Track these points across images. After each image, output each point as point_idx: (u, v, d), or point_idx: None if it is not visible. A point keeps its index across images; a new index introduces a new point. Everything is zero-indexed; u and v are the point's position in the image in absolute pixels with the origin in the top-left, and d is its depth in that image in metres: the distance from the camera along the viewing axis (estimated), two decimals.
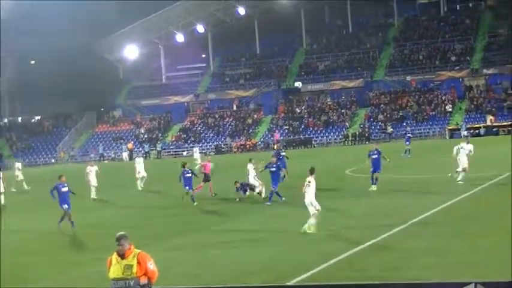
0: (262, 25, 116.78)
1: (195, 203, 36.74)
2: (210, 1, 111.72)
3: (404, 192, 36.16)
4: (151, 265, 12.23)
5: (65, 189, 31.07)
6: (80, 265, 22.63)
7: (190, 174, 37.76)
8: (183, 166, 37.88)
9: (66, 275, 21.41)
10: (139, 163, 51.00)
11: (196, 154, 69.71)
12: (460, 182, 37.21)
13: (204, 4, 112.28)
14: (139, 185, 49.53)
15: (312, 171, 26.54)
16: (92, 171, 45.70)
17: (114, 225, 30.63)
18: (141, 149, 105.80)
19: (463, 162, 38.07)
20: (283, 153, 47.83)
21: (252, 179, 38.73)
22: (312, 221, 25.75)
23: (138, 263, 12.08)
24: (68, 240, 28.95)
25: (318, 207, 25.95)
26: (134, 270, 12.07)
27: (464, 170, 37.90)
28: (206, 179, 41.91)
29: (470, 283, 12.17)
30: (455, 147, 39.07)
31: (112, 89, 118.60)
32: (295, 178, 37.62)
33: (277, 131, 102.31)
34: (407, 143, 63.95)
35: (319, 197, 26.53)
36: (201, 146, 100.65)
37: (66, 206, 30.69)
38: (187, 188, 37.45)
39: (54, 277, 21.17)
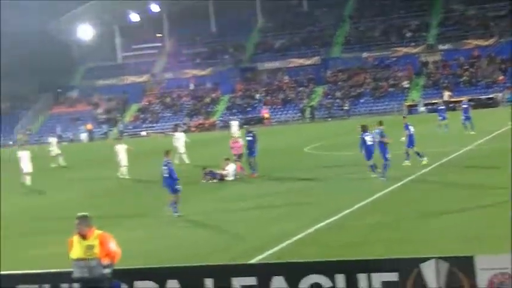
0: (217, 3, 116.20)
1: None
2: None
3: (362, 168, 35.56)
4: (113, 245, 12.27)
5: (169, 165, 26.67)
6: (41, 246, 22.41)
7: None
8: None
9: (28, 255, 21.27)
10: (180, 139, 47.07)
11: (235, 128, 61.27)
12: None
13: None
14: (186, 159, 45.98)
15: None
16: (23, 156, 41.63)
17: (76, 208, 29.96)
18: (99, 129, 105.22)
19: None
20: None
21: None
22: None
23: (100, 243, 12.13)
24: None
25: None
26: (96, 250, 12.15)
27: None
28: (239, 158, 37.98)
29: (431, 258, 12.24)
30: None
31: (67, 70, 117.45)
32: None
33: (264, 107, 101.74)
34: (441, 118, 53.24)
35: (276, 177, 26.35)
36: (160, 126, 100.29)
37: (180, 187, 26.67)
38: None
39: (15, 258, 20.83)
